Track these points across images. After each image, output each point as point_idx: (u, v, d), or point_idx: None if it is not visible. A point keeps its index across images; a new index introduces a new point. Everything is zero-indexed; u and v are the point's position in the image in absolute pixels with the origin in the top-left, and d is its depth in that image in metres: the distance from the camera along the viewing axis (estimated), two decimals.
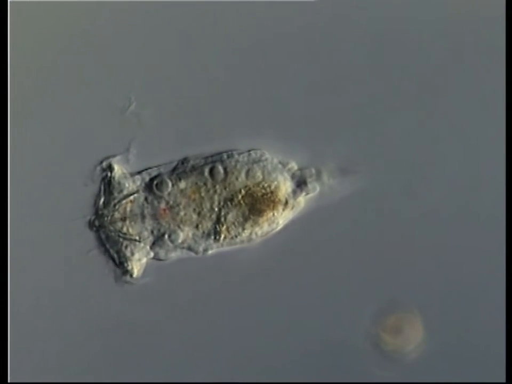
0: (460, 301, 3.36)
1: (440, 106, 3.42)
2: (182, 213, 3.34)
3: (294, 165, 3.40)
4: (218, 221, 3.34)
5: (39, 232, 3.35)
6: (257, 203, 3.34)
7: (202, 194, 3.34)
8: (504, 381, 3.26)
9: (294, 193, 3.39)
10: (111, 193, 3.37)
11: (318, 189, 3.40)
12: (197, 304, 3.36)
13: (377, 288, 3.36)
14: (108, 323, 3.33)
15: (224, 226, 3.34)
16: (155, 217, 3.34)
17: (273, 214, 3.35)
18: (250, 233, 3.35)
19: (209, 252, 3.35)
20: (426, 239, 3.38)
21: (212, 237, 3.34)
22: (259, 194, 3.35)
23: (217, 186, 3.35)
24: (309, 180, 3.39)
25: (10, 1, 3.35)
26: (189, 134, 3.40)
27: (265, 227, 3.35)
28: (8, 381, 3.25)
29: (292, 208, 3.37)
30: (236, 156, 3.38)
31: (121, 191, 3.36)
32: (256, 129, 3.40)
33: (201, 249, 3.35)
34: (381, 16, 3.41)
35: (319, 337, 3.34)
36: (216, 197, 3.34)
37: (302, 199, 3.39)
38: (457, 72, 3.42)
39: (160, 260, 3.36)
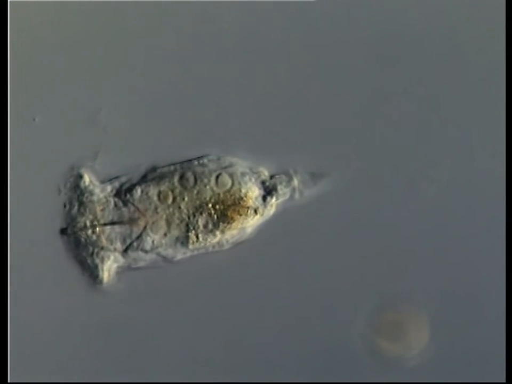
0: (460, 300, 3.36)
1: (440, 105, 3.43)
2: (151, 220, 3.31)
3: (264, 171, 3.37)
4: (187, 227, 3.30)
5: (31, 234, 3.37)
6: (226, 210, 3.30)
7: (172, 201, 3.31)
8: (504, 381, 3.26)
9: (264, 199, 3.36)
10: (82, 201, 3.35)
11: (288, 194, 3.37)
12: (174, 308, 3.36)
13: (370, 289, 3.37)
14: (106, 323, 3.34)
15: (194, 233, 3.30)
16: (130, 222, 3.31)
17: (243, 221, 3.32)
18: (220, 240, 3.33)
19: (179, 257, 3.33)
20: (425, 238, 3.39)
21: (181, 243, 3.31)
22: (229, 201, 3.31)
23: (187, 193, 3.31)
24: (279, 186, 3.37)
25: (10, 1, 3.36)
26: (161, 139, 3.39)
27: (235, 234, 3.33)
28: (8, 381, 3.26)
29: (262, 214, 3.34)
30: (206, 163, 3.35)
31: (91, 199, 3.34)
32: (239, 131, 3.40)
33: (170, 255, 3.32)
34: (381, 16, 3.41)
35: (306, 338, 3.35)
36: (185, 204, 3.31)
37: (272, 205, 3.37)
38: (457, 72, 3.43)
39: (131, 265, 3.34)
